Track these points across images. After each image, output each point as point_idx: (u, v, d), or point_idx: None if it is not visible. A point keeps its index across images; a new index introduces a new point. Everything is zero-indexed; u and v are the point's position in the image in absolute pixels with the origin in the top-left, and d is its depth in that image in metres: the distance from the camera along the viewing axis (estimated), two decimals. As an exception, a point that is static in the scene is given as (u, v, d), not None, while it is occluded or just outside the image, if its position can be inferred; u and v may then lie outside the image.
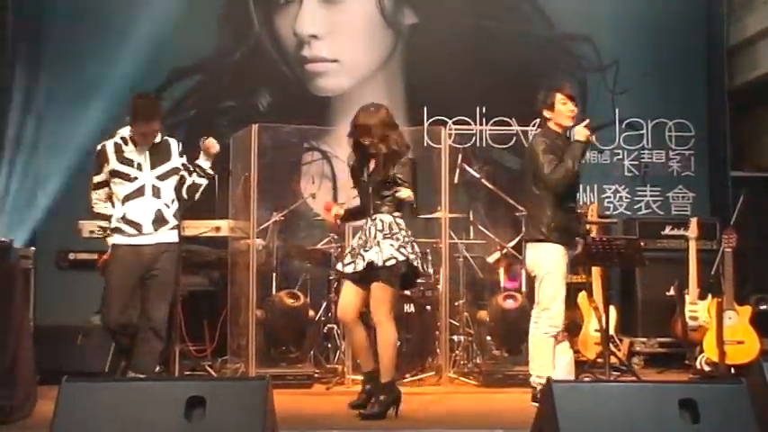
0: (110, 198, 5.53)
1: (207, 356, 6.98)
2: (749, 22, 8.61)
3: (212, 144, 5.66)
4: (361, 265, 5.28)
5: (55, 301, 6.97)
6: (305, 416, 5.35)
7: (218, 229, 6.92)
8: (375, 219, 5.37)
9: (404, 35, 8.77)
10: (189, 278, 6.78)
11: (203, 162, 5.66)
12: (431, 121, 8.37)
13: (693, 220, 7.23)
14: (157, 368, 5.68)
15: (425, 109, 8.47)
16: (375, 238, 5.32)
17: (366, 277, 5.29)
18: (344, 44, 8.67)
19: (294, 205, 7.67)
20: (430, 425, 5.24)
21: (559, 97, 5.63)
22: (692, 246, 7.08)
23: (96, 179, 5.55)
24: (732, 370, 6.60)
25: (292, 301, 6.89)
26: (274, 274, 7.29)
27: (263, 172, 6.75)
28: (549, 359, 5.55)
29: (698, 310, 6.97)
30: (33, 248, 6.49)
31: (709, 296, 6.98)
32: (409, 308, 6.71)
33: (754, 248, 7.47)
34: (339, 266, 5.48)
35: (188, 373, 6.49)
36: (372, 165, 5.39)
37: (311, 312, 6.97)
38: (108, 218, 5.51)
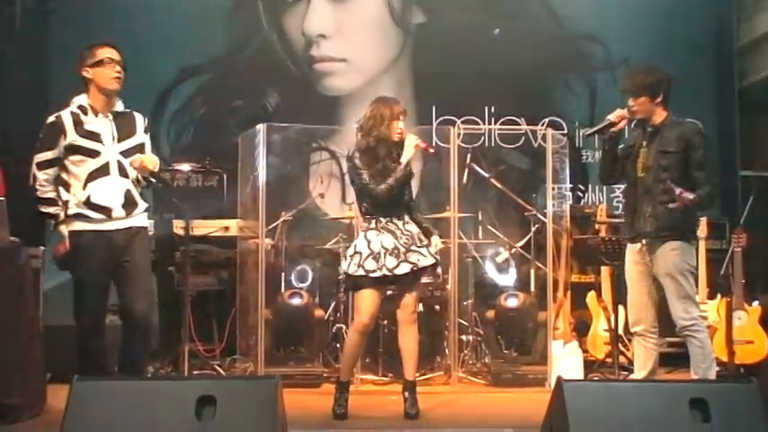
0: (57, 180, 4.86)
1: (216, 356, 6.98)
2: (759, 22, 8.59)
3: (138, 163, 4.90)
4: (425, 261, 5.24)
5: (64, 301, 6.96)
6: (314, 415, 5.35)
7: (226, 228, 6.94)
8: (404, 218, 5.35)
9: (412, 34, 8.77)
10: (198, 278, 6.78)
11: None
12: (439, 120, 8.38)
13: (703, 220, 7.18)
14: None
15: (434, 108, 8.48)
16: (420, 237, 5.32)
17: (405, 279, 5.26)
18: (353, 43, 8.67)
19: (303, 205, 7.68)
20: (439, 424, 5.24)
21: None
22: (702, 245, 7.05)
23: (45, 156, 4.84)
24: (741, 370, 6.59)
25: (302, 300, 6.91)
26: (283, 274, 7.31)
27: (272, 171, 6.75)
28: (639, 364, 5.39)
29: (707, 310, 6.94)
30: (43, 248, 6.49)
31: (719, 296, 6.97)
32: (418, 307, 6.70)
33: (764, 248, 7.44)
34: (380, 269, 5.15)
35: (197, 372, 6.50)
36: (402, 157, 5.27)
37: (319, 312, 6.98)
38: (55, 203, 4.85)
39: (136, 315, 4.86)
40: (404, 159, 5.25)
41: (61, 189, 4.86)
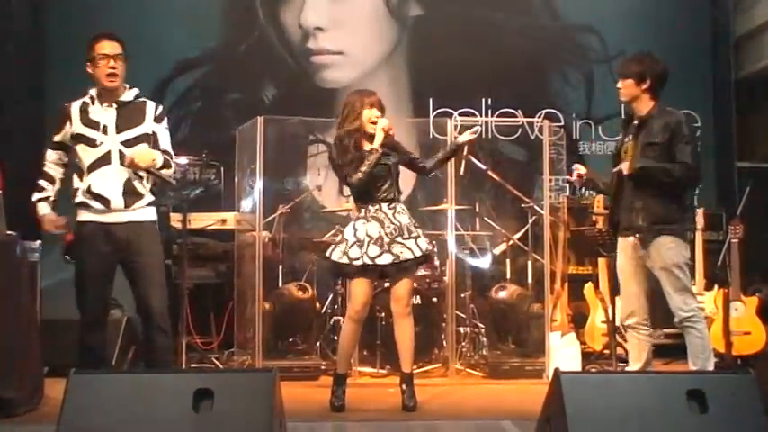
0: (64, 164, 4.96)
1: (214, 349, 6.98)
2: (756, 13, 8.59)
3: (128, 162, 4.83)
4: (408, 255, 5.20)
5: (62, 295, 6.96)
6: (312, 407, 5.36)
7: (224, 221, 6.95)
8: (396, 206, 5.34)
9: (409, 27, 8.76)
10: (195, 271, 6.77)
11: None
12: (436, 112, 8.38)
13: (699, 211, 7.20)
14: None
15: (431, 101, 8.48)
16: (409, 228, 5.29)
17: (392, 270, 5.26)
18: (349, 36, 8.66)
19: (300, 197, 7.68)
20: (437, 416, 5.24)
21: None
22: (699, 237, 7.06)
23: (54, 138, 4.98)
24: (739, 361, 6.60)
25: (301, 293, 6.93)
26: (281, 267, 7.31)
27: (269, 164, 6.75)
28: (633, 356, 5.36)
29: (704, 301, 6.95)
30: (40, 241, 6.48)
31: (716, 287, 6.98)
32: (415, 299, 6.70)
33: (761, 239, 7.45)
34: (362, 257, 5.16)
35: (195, 365, 6.50)
36: (379, 145, 5.27)
37: (317, 304, 6.99)
38: (49, 179, 4.95)
39: (154, 313, 4.86)
40: (375, 144, 5.26)
41: (75, 177, 4.92)
